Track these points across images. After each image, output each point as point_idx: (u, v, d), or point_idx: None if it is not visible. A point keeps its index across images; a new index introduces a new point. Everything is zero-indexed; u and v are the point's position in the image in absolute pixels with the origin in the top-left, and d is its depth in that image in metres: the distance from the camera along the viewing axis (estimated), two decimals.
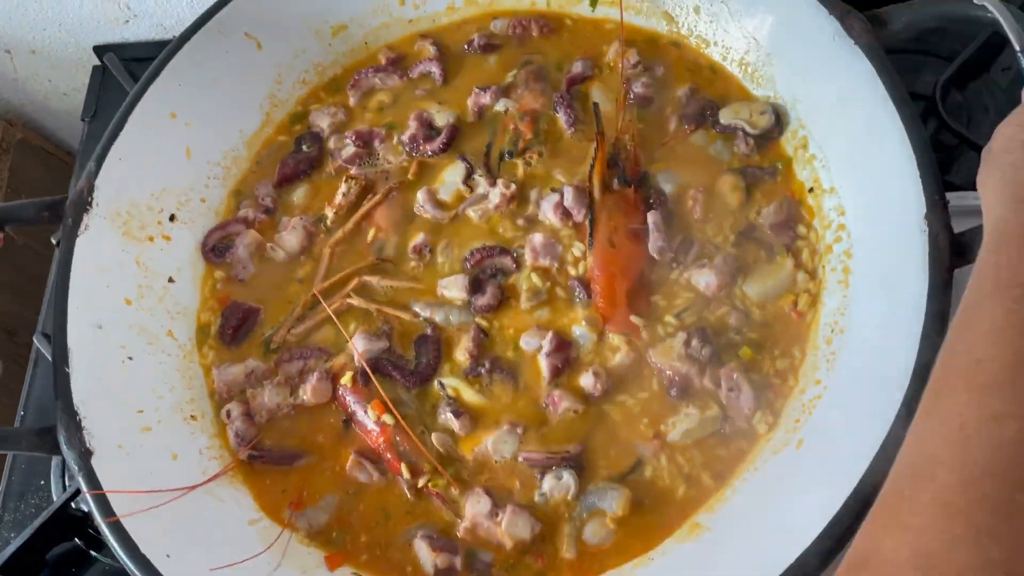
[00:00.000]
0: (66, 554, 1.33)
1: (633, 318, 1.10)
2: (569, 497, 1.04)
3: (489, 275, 1.17)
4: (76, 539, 1.33)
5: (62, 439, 1.05)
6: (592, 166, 1.17)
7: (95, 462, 1.03)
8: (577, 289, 1.13)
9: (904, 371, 0.89)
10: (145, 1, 1.64)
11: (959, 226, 0.96)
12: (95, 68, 1.77)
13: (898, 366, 0.90)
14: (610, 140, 1.20)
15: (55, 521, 1.28)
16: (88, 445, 1.04)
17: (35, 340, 1.48)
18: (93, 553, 1.33)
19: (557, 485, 1.05)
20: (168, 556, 0.99)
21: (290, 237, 1.26)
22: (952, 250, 0.94)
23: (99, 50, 1.75)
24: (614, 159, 1.19)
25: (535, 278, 1.16)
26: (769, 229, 1.13)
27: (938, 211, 0.96)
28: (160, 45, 1.28)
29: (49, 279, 1.61)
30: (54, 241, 1.44)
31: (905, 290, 0.94)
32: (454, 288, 1.16)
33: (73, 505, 1.31)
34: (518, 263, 1.17)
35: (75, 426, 1.05)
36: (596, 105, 1.22)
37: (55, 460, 1.41)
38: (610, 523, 1.03)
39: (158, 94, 1.24)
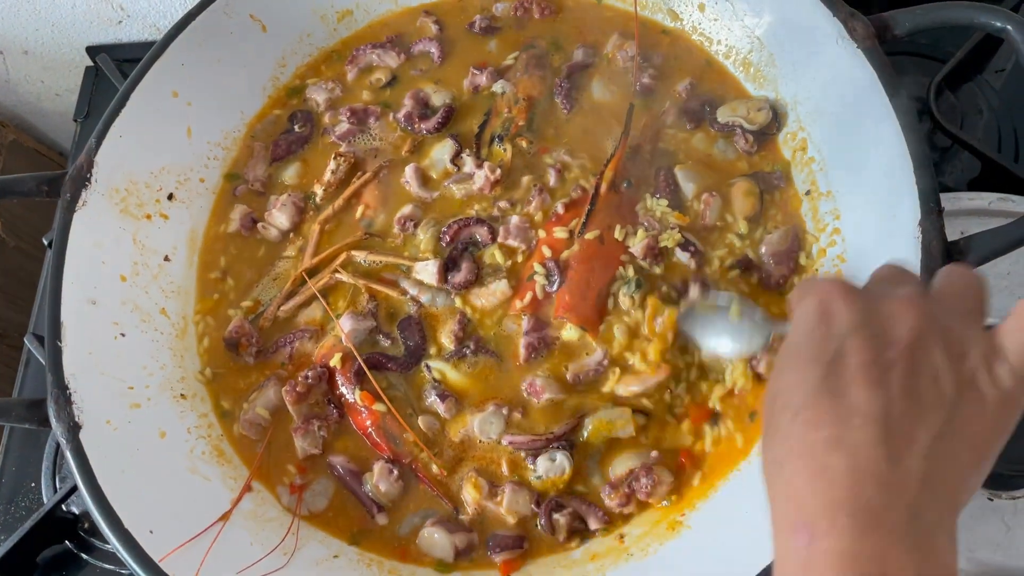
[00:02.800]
0: (57, 556, 1.34)
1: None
2: (565, 477, 1.05)
3: (462, 248, 1.18)
4: (67, 541, 1.35)
5: (51, 412, 1.05)
6: (608, 160, 1.18)
7: (83, 436, 1.03)
8: (553, 272, 1.13)
9: None
10: (138, 2, 1.64)
11: (952, 228, 0.96)
12: (88, 69, 1.77)
13: None
14: (632, 144, 1.20)
15: (46, 523, 1.29)
16: (77, 419, 1.04)
17: (26, 341, 1.48)
18: (84, 556, 1.34)
19: (552, 467, 1.05)
20: (151, 532, 0.99)
21: (280, 215, 1.26)
22: (945, 258, 0.93)
23: (92, 51, 1.75)
24: (630, 160, 1.19)
25: (498, 255, 1.17)
26: (771, 257, 1.12)
27: (933, 218, 0.95)
28: (153, 45, 1.28)
29: (40, 281, 1.61)
30: (45, 242, 1.45)
31: None
32: (425, 273, 1.17)
33: (64, 507, 1.33)
34: (494, 235, 1.18)
35: (65, 399, 1.05)
36: (632, 106, 1.22)
37: (45, 463, 1.41)
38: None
39: (161, 73, 1.24)
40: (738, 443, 1.04)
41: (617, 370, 1.09)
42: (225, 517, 1.05)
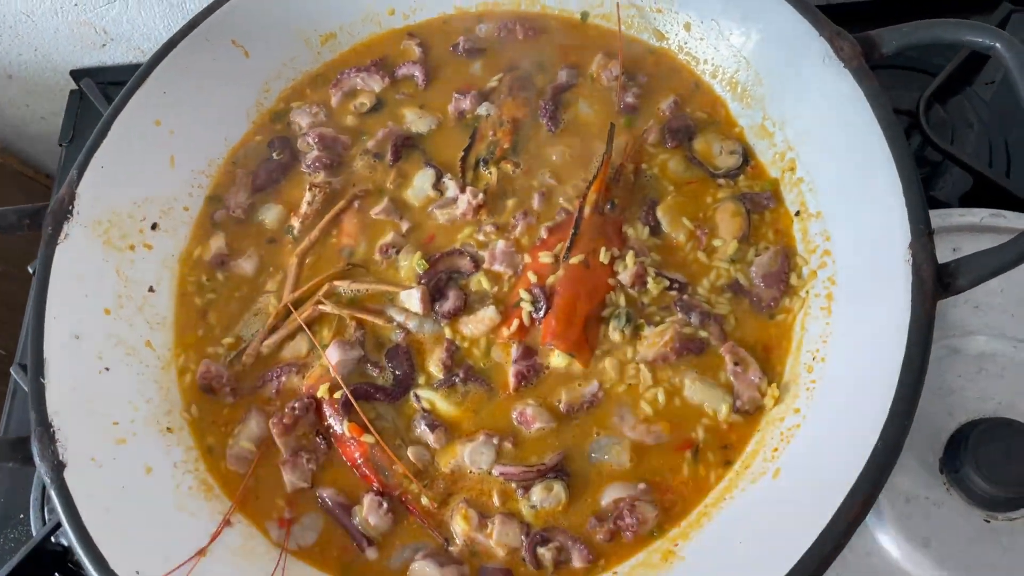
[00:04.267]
0: None
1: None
2: (560, 508, 1.04)
3: (446, 279, 1.17)
4: (56, 574, 1.33)
5: (35, 450, 1.04)
6: (590, 183, 1.17)
7: (67, 474, 1.03)
8: (539, 298, 1.12)
9: (883, 406, 0.88)
10: (121, 24, 1.63)
11: (943, 245, 0.95)
12: (72, 92, 1.77)
13: (877, 399, 0.89)
14: (614, 165, 1.19)
15: (35, 556, 1.28)
16: (61, 457, 1.03)
17: (12, 372, 1.46)
18: None
19: (548, 497, 1.04)
20: (137, 573, 0.98)
21: (246, 263, 1.26)
22: (936, 282, 0.92)
23: (76, 74, 1.75)
24: (613, 181, 1.18)
25: (484, 281, 1.16)
26: (761, 280, 1.12)
27: (923, 240, 0.94)
28: (137, 68, 1.27)
29: (27, 309, 1.60)
30: (30, 270, 1.43)
31: (887, 321, 0.93)
32: (411, 301, 1.16)
33: (53, 540, 1.32)
34: (476, 263, 1.17)
35: (48, 437, 1.04)
36: (612, 126, 1.22)
37: (34, 494, 1.40)
38: None
39: (142, 101, 1.23)
40: (722, 476, 1.03)
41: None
42: (202, 552, 1.04)
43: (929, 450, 1.03)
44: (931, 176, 1.33)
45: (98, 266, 1.18)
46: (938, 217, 1.11)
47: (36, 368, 1.08)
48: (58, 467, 1.03)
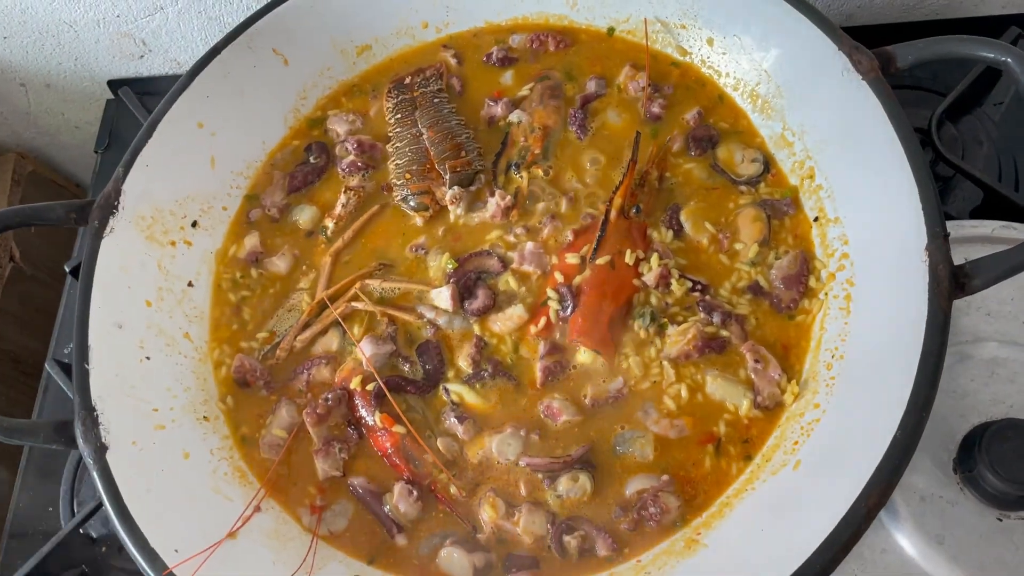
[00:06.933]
0: None
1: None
2: (585, 498, 1.07)
3: (475, 278, 1.21)
4: (83, 566, 1.36)
5: (78, 433, 1.07)
6: (617, 187, 1.21)
7: (109, 456, 1.06)
8: (566, 297, 1.16)
9: (900, 399, 0.92)
10: (160, 36, 1.68)
11: (955, 255, 0.99)
12: (108, 102, 1.81)
13: (895, 392, 0.92)
14: (640, 171, 1.24)
15: (63, 548, 1.31)
16: (103, 440, 1.07)
17: (47, 367, 1.50)
18: None
19: (573, 487, 1.07)
20: (176, 551, 1.01)
21: (279, 262, 1.30)
22: (952, 281, 0.96)
23: (113, 84, 1.79)
24: (638, 187, 1.23)
25: (512, 281, 1.20)
26: (781, 282, 1.15)
27: (939, 243, 0.98)
28: (174, 80, 1.32)
29: (59, 309, 1.64)
30: (68, 269, 1.48)
31: (904, 319, 0.97)
32: (440, 299, 1.20)
33: (81, 531, 1.34)
34: (504, 264, 1.21)
35: (92, 421, 1.08)
36: (638, 134, 1.26)
37: (64, 486, 1.43)
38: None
39: (186, 104, 1.28)
40: (743, 469, 1.07)
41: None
42: (232, 535, 1.07)
43: (943, 451, 1.06)
44: (943, 191, 1.37)
45: (141, 259, 1.22)
46: (950, 229, 1.14)
47: (81, 354, 1.12)
48: (101, 449, 1.06)
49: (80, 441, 1.07)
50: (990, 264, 0.96)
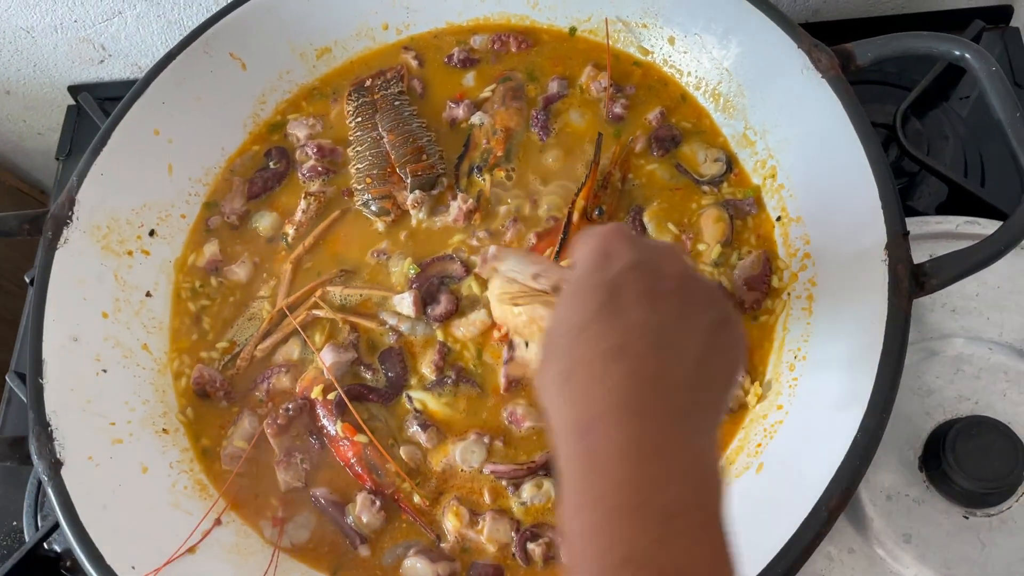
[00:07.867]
0: None
1: None
2: (549, 505, 1.06)
3: (438, 283, 1.20)
4: None
5: (33, 449, 1.05)
6: (580, 189, 1.20)
7: (64, 472, 1.04)
8: None
9: (862, 398, 0.91)
10: (120, 41, 1.65)
11: (920, 251, 0.98)
12: (69, 108, 1.78)
13: (857, 393, 0.92)
14: (602, 172, 1.22)
15: (27, 562, 1.28)
16: (58, 455, 1.05)
17: (8, 379, 1.47)
18: None
19: (537, 494, 1.07)
20: (133, 568, 0.99)
21: (239, 269, 1.28)
22: (912, 280, 0.96)
23: (73, 90, 1.76)
24: (601, 188, 1.21)
25: (475, 286, 1.19)
26: (744, 283, 1.15)
27: (899, 241, 0.98)
28: (134, 84, 1.30)
29: (22, 319, 1.60)
30: (27, 280, 1.45)
31: (865, 319, 0.96)
32: (403, 305, 1.19)
33: (45, 545, 1.31)
34: (467, 268, 1.20)
35: (46, 436, 1.06)
36: (600, 135, 1.25)
37: (28, 500, 1.40)
38: None
39: (142, 111, 1.26)
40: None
41: None
42: (192, 550, 1.06)
43: (909, 449, 1.06)
44: (908, 187, 1.37)
45: (97, 271, 1.20)
46: (915, 225, 1.14)
47: (35, 369, 1.10)
48: (55, 465, 1.04)
49: (35, 457, 1.05)
50: (950, 262, 0.96)
